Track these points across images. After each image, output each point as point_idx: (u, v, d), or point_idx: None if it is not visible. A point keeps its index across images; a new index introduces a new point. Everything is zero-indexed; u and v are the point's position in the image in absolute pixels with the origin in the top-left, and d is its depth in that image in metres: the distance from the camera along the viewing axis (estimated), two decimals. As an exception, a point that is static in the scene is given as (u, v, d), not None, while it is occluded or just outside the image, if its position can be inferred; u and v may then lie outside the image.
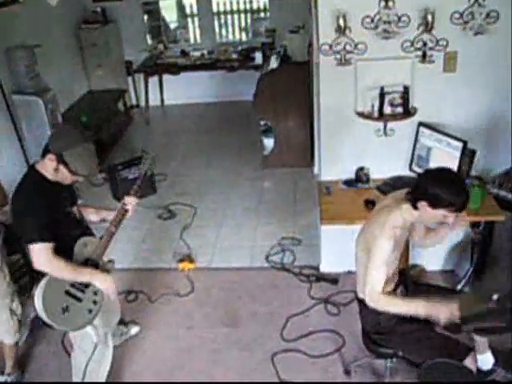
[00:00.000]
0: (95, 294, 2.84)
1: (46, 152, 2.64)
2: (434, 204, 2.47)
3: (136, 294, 4.19)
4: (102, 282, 2.80)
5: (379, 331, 2.77)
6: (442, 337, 2.65)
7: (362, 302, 2.80)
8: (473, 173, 3.74)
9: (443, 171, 2.57)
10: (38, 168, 2.69)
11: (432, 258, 4.19)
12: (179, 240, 4.87)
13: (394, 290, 2.79)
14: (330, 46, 3.44)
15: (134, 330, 3.82)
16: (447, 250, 4.18)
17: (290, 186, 5.64)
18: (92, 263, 2.84)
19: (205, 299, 4.13)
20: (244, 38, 8.73)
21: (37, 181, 2.69)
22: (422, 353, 2.60)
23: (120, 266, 3.90)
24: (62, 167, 2.63)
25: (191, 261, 4.52)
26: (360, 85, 3.51)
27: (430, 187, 2.47)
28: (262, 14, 8.60)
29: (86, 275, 2.76)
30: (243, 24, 8.81)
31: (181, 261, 4.52)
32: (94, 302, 2.84)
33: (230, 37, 8.76)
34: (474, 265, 3.86)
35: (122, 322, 3.72)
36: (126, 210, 2.98)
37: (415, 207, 2.54)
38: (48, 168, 2.66)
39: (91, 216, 3.13)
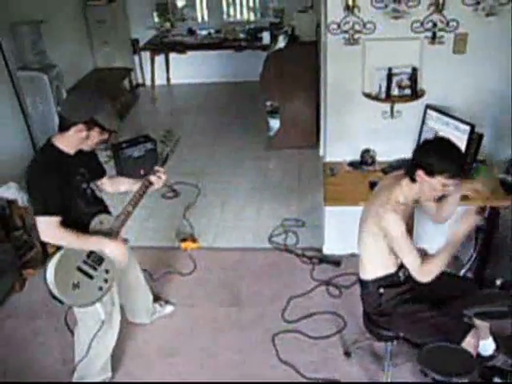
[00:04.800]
0: (107, 272, 2.85)
1: (67, 126, 2.61)
2: (429, 172, 2.49)
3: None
4: (111, 249, 2.81)
5: (380, 312, 2.76)
6: (441, 317, 2.64)
7: (363, 284, 2.79)
8: (480, 157, 3.71)
9: (437, 140, 2.62)
10: (55, 143, 2.68)
11: (435, 243, 4.13)
12: (182, 219, 4.86)
13: (397, 273, 2.77)
14: (338, 25, 3.39)
15: (169, 309, 3.83)
16: (451, 235, 4.14)
17: (295, 167, 5.61)
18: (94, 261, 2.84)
19: (207, 278, 4.12)
20: (252, 17, 8.62)
21: (52, 155, 2.67)
22: (422, 333, 2.59)
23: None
24: (93, 132, 2.64)
25: (194, 240, 4.51)
26: (367, 65, 3.47)
27: (425, 156, 2.51)
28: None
29: (94, 242, 2.77)
30: (251, 3, 8.71)
31: (183, 240, 4.51)
32: (105, 280, 2.86)
33: (238, 16, 8.65)
34: (478, 251, 3.84)
35: (156, 301, 3.76)
36: (152, 183, 3.01)
37: (413, 180, 2.53)
38: (71, 140, 2.65)
39: (120, 186, 3.20)
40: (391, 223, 2.52)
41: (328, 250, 4.24)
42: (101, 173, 3.06)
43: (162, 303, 3.83)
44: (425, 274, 2.57)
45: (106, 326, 3.00)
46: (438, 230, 4.08)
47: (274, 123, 5.92)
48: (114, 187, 3.18)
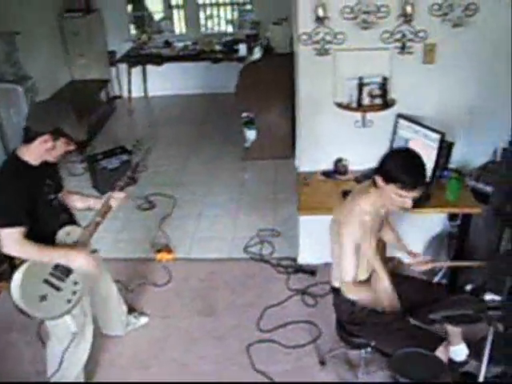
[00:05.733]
0: (75, 283, 2.81)
1: (32, 137, 2.59)
2: (386, 179, 2.50)
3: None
4: (79, 261, 2.76)
5: (353, 321, 2.77)
6: (414, 327, 2.67)
7: (336, 292, 2.80)
8: (451, 165, 3.76)
9: (402, 151, 2.63)
10: (19, 155, 2.65)
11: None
12: (158, 230, 4.83)
13: (370, 277, 2.79)
14: (309, 36, 3.43)
15: (143, 320, 3.80)
16: (425, 243, 4.19)
17: (271, 177, 5.63)
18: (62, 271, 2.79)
19: (182, 289, 4.10)
20: (230, 29, 8.69)
21: (16, 167, 2.64)
22: (393, 343, 2.60)
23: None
24: (59, 143, 2.62)
25: (169, 251, 4.50)
26: (339, 75, 3.51)
27: (386, 163, 2.53)
28: (248, 7, 8.56)
29: (60, 255, 2.72)
30: (229, 16, 8.78)
31: (159, 251, 4.49)
32: (74, 293, 2.81)
33: (216, 28, 8.72)
34: (451, 258, 3.88)
35: (130, 313, 3.73)
36: (110, 206, 2.99)
37: (375, 184, 2.56)
38: (36, 151, 2.62)
39: (76, 203, 3.10)
40: (347, 233, 2.55)
41: (303, 259, 4.25)
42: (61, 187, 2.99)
43: (137, 315, 3.80)
44: (350, 290, 2.65)
45: (78, 339, 2.97)
46: (414, 240, 4.15)
47: (250, 134, 5.94)
48: (83, 203, 3.13)
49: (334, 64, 3.48)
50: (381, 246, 3.71)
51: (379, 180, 2.54)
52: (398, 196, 2.53)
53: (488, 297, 2.74)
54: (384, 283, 2.63)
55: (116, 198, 3.00)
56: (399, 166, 2.51)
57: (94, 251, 2.96)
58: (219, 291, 4.06)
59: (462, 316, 1.94)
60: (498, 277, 2.73)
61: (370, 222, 2.59)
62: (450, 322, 2.14)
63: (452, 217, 3.91)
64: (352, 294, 2.65)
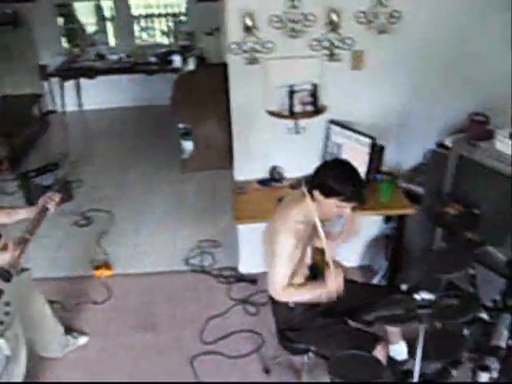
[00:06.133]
0: (7, 304, 2.69)
1: None
2: (326, 193, 2.51)
3: (50, 304, 4.01)
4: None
5: (292, 327, 2.77)
6: (351, 329, 2.69)
7: (273, 300, 2.80)
8: (384, 168, 3.84)
9: (337, 162, 2.63)
10: None
11: (349, 254, 4.24)
12: (96, 246, 4.72)
13: (308, 278, 2.81)
14: (239, 46, 3.43)
15: (83, 340, 3.68)
16: (363, 246, 4.26)
17: (210, 188, 5.60)
18: (3, 275, 2.67)
19: (122, 306, 4.02)
20: (165, 41, 8.63)
21: None
22: (332, 346, 2.62)
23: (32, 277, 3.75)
24: None
25: (108, 267, 4.40)
26: (269, 83, 3.52)
27: (322, 176, 2.52)
28: (183, 18, 8.53)
29: None
30: (163, 27, 8.72)
31: (97, 268, 4.39)
32: (6, 314, 2.68)
33: (151, 40, 8.64)
34: (389, 259, 3.96)
35: (68, 333, 3.62)
36: (47, 208, 2.87)
37: (313, 198, 2.56)
38: None
39: (19, 215, 2.96)
40: (281, 241, 2.56)
41: (244, 268, 4.25)
42: None
43: (76, 334, 3.69)
44: (279, 295, 2.64)
45: (12, 363, 2.85)
46: (352, 243, 4.20)
47: (188, 146, 5.90)
48: (11, 218, 3.02)
49: (264, 72, 3.50)
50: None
51: (317, 194, 2.54)
52: (339, 208, 2.56)
53: (423, 295, 2.80)
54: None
55: (52, 199, 2.89)
56: (338, 179, 2.50)
57: (24, 270, 2.85)
58: (160, 305, 4.00)
59: (394, 316, 1.98)
60: (432, 275, 2.79)
61: (303, 231, 2.60)
62: (384, 322, 2.18)
63: (387, 219, 3.99)
64: (285, 298, 2.65)
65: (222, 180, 5.66)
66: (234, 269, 4.31)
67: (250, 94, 3.60)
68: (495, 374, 2.55)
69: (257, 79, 3.53)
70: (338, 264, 2.82)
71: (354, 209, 3.11)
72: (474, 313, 2.14)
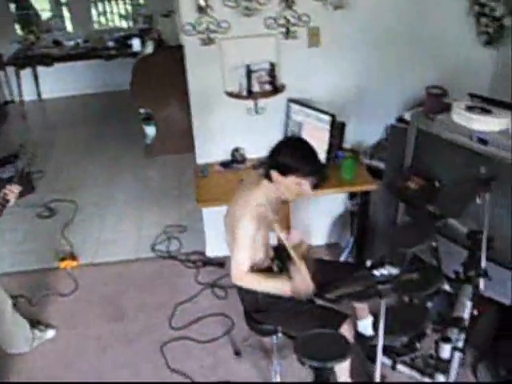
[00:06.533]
0: None
1: None
2: (283, 171, 2.49)
3: (15, 298, 3.93)
4: None
5: (258, 309, 2.76)
6: (317, 308, 2.69)
7: (238, 283, 2.78)
8: (346, 145, 3.84)
9: (291, 140, 2.60)
10: None
11: (316, 233, 4.27)
12: (61, 238, 4.64)
13: (270, 267, 2.80)
14: (193, 26, 3.37)
15: (50, 333, 3.62)
16: (329, 224, 4.27)
17: (175, 172, 5.54)
18: None
19: (89, 296, 3.96)
20: (124, 25, 8.46)
21: None
22: (298, 326, 2.61)
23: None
24: None
25: (73, 258, 4.32)
26: (226, 64, 3.48)
27: (277, 156, 2.51)
28: (141, 0, 8.36)
29: None
30: (121, 11, 8.55)
31: (62, 259, 4.31)
32: None
33: (110, 24, 8.46)
34: (355, 235, 3.97)
35: (34, 326, 3.56)
36: (7, 200, 2.80)
37: (270, 179, 2.54)
38: None
39: None
40: (241, 226, 2.52)
41: (211, 252, 4.22)
42: None
43: (42, 328, 3.63)
44: (240, 280, 2.61)
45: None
46: (319, 222, 4.22)
47: (150, 130, 5.82)
48: None
49: (221, 53, 3.45)
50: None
51: (275, 174, 2.52)
52: (298, 185, 2.54)
53: (387, 270, 2.81)
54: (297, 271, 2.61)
55: (12, 191, 2.82)
56: (295, 156, 2.49)
57: None
58: (128, 294, 3.95)
59: (355, 293, 1.98)
60: (394, 249, 2.80)
61: (264, 214, 2.58)
62: (345, 299, 2.18)
63: (352, 196, 3.99)
64: (245, 284, 2.62)
65: (187, 164, 5.57)
66: (201, 253, 4.28)
67: (208, 75, 3.54)
68: (460, 344, 2.61)
69: (213, 60, 3.48)
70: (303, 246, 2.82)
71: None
72: (436, 286, 2.16)
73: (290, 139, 2.60)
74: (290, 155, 2.49)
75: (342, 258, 4.01)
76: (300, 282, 2.50)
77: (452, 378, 2.87)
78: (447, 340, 1.97)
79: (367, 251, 3.94)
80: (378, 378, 2.06)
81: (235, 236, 2.56)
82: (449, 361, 2.02)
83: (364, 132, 3.91)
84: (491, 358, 3.17)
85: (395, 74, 3.73)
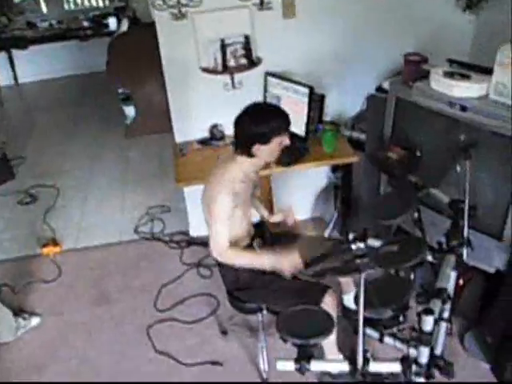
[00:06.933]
0: None
1: None
2: (265, 141, 2.45)
3: (-4, 287, 3.90)
4: None
5: (239, 287, 2.72)
6: (297, 283, 2.65)
7: (218, 261, 2.73)
8: (327, 118, 3.78)
9: (249, 111, 2.53)
10: None
11: (300, 207, 4.21)
12: (43, 224, 4.57)
13: (250, 244, 2.75)
14: (164, 1, 3.26)
15: (35, 321, 3.57)
16: (313, 198, 4.23)
17: (156, 152, 5.47)
18: None
19: (73, 282, 3.91)
20: (100, 4, 8.27)
21: None
22: (282, 302, 2.58)
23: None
24: None
25: (56, 244, 4.26)
26: (200, 39, 3.38)
27: (252, 129, 2.45)
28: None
29: None
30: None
31: (45, 245, 4.24)
32: None
33: (85, 3, 8.26)
34: (339, 209, 3.93)
35: (18, 315, 3.52)
36: None
37: (251, 155, 2.48)
38: None
39: None
40: (218, 202, 2.47)
41: (194, 231, 4.17)
42: None
43: (27, 316, 3.57)
44: (221, 255, 2.56)
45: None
46: (302, 197, 4.17)
47: (129, 111, 5.74)
48: None
49: (193, 27, 3.35)
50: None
51: (257, 148, 2.46)
52: (280, 144, 2.51)
53: (370, 243, 2.78)
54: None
55: None
56: (267, 119, 2.46)
57: None
58: (112, 277, 3.90)
59: (333, 268, 1.93)
60: (377, 221, 2.76)
61: (242, 190, 2.53)
62: (325, 275, 2.14)
63: (335, 168, 3.94)
64: (227, 260, 2.58)
65: (168, 143, 5.43)
66: (185, 233, 4.23)
67: (181, 51, 3.44)
68: (445, 314, 2.58)
69: (186, 35, 3.38)
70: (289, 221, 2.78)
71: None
72: (418, 257, 2.11)
73: (248, 110, 2.53)
74: (263, 122, 2.45)
75: (327, 232, 3.98)
76: (287, 259, 2.46)
77: (439, 349, 2.87)
78: (429, 312, 1.93)
79: (352, 224, 3.91)
80: (360, 353, 2.03)
81: (212, 212, 2.51)
82: (431, 333, 1.99)
83: (344, 103, 3.85)
84: (478, 327, 3.17)
85: (374, 43, 3.65)
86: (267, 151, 2.51)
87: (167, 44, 3.44)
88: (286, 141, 2.53)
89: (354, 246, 1.79)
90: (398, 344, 2.57)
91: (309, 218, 4.29)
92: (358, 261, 1.79)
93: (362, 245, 1.78)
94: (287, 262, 2.45)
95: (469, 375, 2.96)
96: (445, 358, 2.91)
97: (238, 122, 2.54)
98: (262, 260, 2.53)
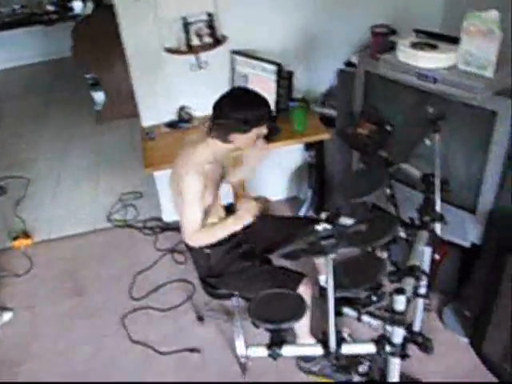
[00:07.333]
0: None
1: None
2: (245, 129, 2.35)
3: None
4: None
5: (212, 274, 2.65)
6: (272, 270, 2.60)
7: (189, 248, 2.66)
8: (297, 95, 3.69)
9: (231, 93, 2.43)
10: None
11: (274, 188, 4.16)
12: (13, 216, 4.45)
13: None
14: (121, -21, 3.15)
15: (7, 316, 3.48)
16: (288, 178, 4.16)
17: (127, 137, 5.34)
18: None
19: (46, 274, 3.82)
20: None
21: None
22: (255, 288, 2.51)
23: None
24: None
25: (27, 236, 4.15)
26: (162, 18, 3.24)
27: (232, 116, 2.33)
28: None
29: None
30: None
31: (15, 238, 4.13)
32: None
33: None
34: (313, 188, 3.87)
35: None
36: None
37: (226, 141, 2.40)
38: None
39: None
40: (187, 183, 2.37)
41: (168, 217, 4.09)
42: None
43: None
44: (194, 240, 2.49)
45: None
46: (277, 177, 4.11)
47: (99, 96, 5.59)
48: None
49: (154, 6, 3.22)
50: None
51: (236, 136, 2.38)
52: (258, 135, 2.43)
53: (342, 221, 2.72)
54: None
55: None
56: (251, 108, 2.36)
57: None
58: (86, 268, 3.82)
59: (300, 250, 1.87)
60: (350, 199, 2.71)
61: (211, 171, 2.45)
62: (292, 258, 2.08)
63: (308, 146, 3.87)
64: (199, 242, 2.51)
65: (139, 127, 5.41)
66: (159, 219, 4.15)
67: (144, 32, 3.32)
68: (422, 290, 2.54)
69: (147, 15, 3.25)
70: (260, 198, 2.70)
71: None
72: (389, 235, 2.06)
73: (231, 95, 2.42)
74: (245, 110, 2.34)
75: (302, 212, 3.92)
76: (245, 207, 2.42)
77: (417, 326, 2.84)
78: (401, 291, 1.88)
79: (327, 203, 3.85)
80: (332, 335, 1.98)
81: (182, 195, 2.42)
82: (403, 313, 1.94)
83: (315, 79, 3.77)
84: (456, 301, 3.15)
85: (342, 16, 3.56)
86: (244, 140, 2.42)
87: (128, 25, 3.32)
88: (264, 131, 2.45)
89: (319, 227, 1.72)
90: (375, 323, 2.53)
91: (285, 199, 4.23)
92: (324, 243, 1.73)
93: (327, 225, 1.72)
94: (246, 210, 2.40)
95: (447, 350, 2.94)
96: (423, 333, 2.91)
97: (218, 105, 2.41)
98: (228, 224, 2.47)
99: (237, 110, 2.34)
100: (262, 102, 2.41)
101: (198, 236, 2.45)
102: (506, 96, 2.34)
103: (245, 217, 2.40)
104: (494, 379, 2.78)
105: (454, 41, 2.47)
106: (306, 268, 2.83)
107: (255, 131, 2.40)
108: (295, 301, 2.16)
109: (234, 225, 2.45)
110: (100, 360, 3.15)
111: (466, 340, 2.99)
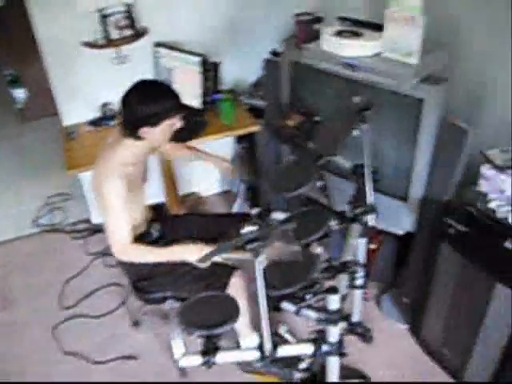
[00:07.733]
0: None
1: None
2: (155, 122, 2.22)
3: None
4: None
5: (142, 278, 2.53)
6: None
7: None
8: (225, 87, 3.60)
9: (136, 87, 2.29)
10: None
11: (207, 183, 4.06)
12: None
13: (148, 231, 2.57)
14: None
15: None
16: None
17: (53, 137, 5.06)
18: None
19: (-33, 288, 3.60)
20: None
21: None
22: (188, 287, 2.44)
23: None
24: None
25: None
26: (77, 10, 3.06)
27: (139, 110, 2.19)
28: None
29: None
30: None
31: None
32: None
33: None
34: (244, 181, 3.78)
35: None
36: None
37: (139, 138, 2.26)
38: None
39: None
40: (108, 188, 2.23)
41: (97, 218, 3.91)
42: None
43: None
44: (126, 254, 2.36)
45: None
46: (205, 172, 4.00)
47: (19, 93, 5.30)
48: None
49: (69, -2, 3.04)
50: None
51: (146, 130, 2.23)
52: (171, 126, 2.29)
53: (274, 216, 2.66)
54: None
55: None
56: (159, 99, 2.21)
57: None
58: (11, 278, 3.62)
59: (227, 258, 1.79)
60: (279, 193, 2.63)
61: (133, 174, 2.32)
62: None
63: (240, 139, 3.78)
64: (131, 258, 2.38)
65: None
66: (88, 221, 3.98)
67: (59, 25, 3.13)
68: (359, 282, 2.51)
69: (62, 7, 3.06)
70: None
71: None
72: (319, 231, 2.01)
73: (135, 88, 2.28)
74: (151, 102, 2.20)
75: (236, 207, 3.83)
76: (195, 247, 2.29)
77: (356, 317, 2.82)
78: (333, 291, 1.82)
79: (261, 197, 3.77)
80: (267, 339, 1.91)
81: (104, 202, 2.28)
82: (337, 311, 1.89)
83: (244, 70, 3.69)
84: (394, 289, 3.15)
85: (268, 4, 3.48)
86: (156, 135, 2.27)
87: (42, 19, 3.12)
88: (178, 124, 2.32)
89: (244, 231, 1.64)
90: (314, 316, 2.48)
91: (218, 192, 4.14)
92: (249, 246, 1.64)
93: (253, 227, 1.63)
94: (195, 251, 2.26)
95: (388, 338, 2.95)
96: (363, 323, 2.90)
97: (124, 100, 2.26)
98: (170, 254, 2.33)
99: (143, 102, 2.21)
100: (169, 92, 2.27)
101: (132, 252, 2.33)
102: (432, 82, 2.32)
103: (194, 255, 2.25)
104: (434, 365, 2.79)
105: (379, 28, 2.42)
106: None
107: (166, 123, 2.26)
108: (227, 303, 2.07)
109: (177, 258, 2.32)
110: (30, 374, 2.97)
111: (405, 327, 3.01)
